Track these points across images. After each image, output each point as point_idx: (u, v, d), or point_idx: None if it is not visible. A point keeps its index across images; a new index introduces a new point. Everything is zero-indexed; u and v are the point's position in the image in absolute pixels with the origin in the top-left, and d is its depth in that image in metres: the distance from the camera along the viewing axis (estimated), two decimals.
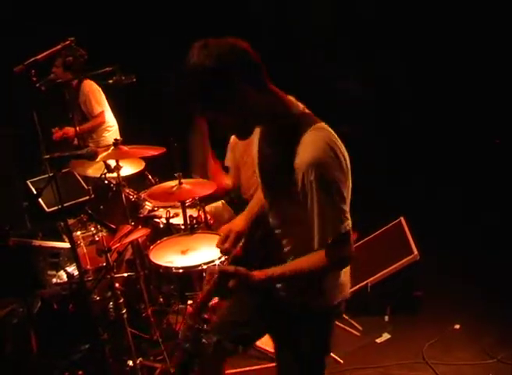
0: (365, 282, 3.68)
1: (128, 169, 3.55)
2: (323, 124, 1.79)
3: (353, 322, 3.67)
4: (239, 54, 1.68)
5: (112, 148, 3.20)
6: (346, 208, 1.75)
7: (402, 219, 4.23)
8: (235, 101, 1.70)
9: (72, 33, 3.26)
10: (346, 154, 1.79)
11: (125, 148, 3.24)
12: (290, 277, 1.82)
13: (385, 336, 3.61)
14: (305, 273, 1.79)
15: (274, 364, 3.25)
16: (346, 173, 1.77)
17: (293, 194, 1.77)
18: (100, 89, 4.81)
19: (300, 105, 1.85)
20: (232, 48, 1.67)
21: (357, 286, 3.67)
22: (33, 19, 5.27)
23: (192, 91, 1.71)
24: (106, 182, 3.56)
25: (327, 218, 1.73)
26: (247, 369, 3.34)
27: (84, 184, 3.89)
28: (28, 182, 4.16)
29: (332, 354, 3.34)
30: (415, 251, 3.72)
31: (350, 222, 1.75)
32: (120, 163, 3.28)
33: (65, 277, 3.31)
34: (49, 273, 3.39)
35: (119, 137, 3.50)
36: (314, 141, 1.72)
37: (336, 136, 1.79)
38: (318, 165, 1.69)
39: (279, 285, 1.99)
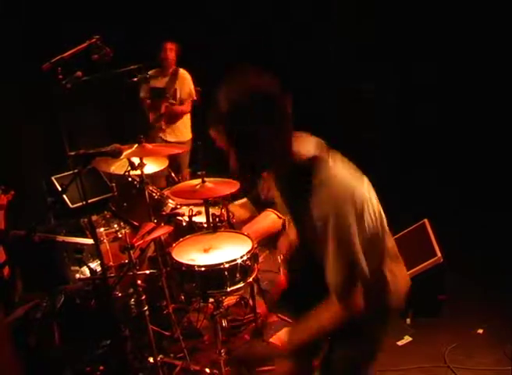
0: None
1: (151, 167, 3.57)
2: (335, 171, 1.81)
3: None
4: (258, 99, 1.69)
5: (136, 145, 3.22)
6: (359, 252, 1.79)
7: (426, 221, 4.19)
8: (249, 144, 1.75)
9: (97, 31, 3.29)
10: (362, 193, 1.82)
11: (149, 145, 3.25)
12: (309, 339, 1.90)
13: (407, 339, 3.58)
14: (319, 330, 1.87)
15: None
16: (362, 215, 1.80)
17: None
18: None
19: (314, 147, 1.86)
20: (253, 91, 1.69)
21: None
22: (59, 17, 5.32)
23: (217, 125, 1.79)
24: (130, 179, 3.58)
25: (339, 266, 1.78)
26: (265, 368, 3.32)
27: (108, 181, 3.92)
28: (53, 178, 4.21)
29: None
30: (438, 254, 3.68)
31: (362, 267, 1.80)
32: (144, 161, 3.30)
33: (88, 273, 3.33)
34: (72, 268, 3.43)
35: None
36: (327, 194, 1.76)
37: (351, 175, 1.84)
38: (332, 216, 1.73)
39: None
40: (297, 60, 6.22)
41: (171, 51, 5.27)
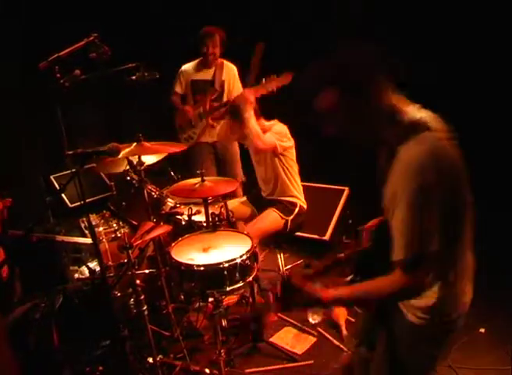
0: None
1: (151, 157, 3.53)
2: (426, 135, 1.70)
3: None
4: (362, 58, 1.72)
5: (135, 144, 3.20)
6: (436, 230, 1.64)
7: None
8: (357, 106, 1.72)
9: (95, 28, 3.27)
10: (451, 170, 1.70)
11: (147, 144, 3.23)
12: (358, 299, 1.83)
13: None
14: (373, 296, 1.79)
15: (292, 364, 3.28)
16: (448, 193, 1.66)
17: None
18: None
19: (414, 114, 1.77)
20: (357, 53, 1.74)
21: None
22: (59, 17, 5.29)
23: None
24: (128, 178, 3.55)
25: (409, 235, 1.65)
26: (266, 368, 3.32)
27: (107, 180, 3.90)
28: (52, 177, 4.19)
29: None
30: None
31: (436, 245, 1.64)
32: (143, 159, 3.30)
33: (87, 273, 3.32)
34: (71, 268, 3.41)
35: None
36: (410, 155, 1.66)
37: (442, 148, 1.71)
38: (410, 178, 1.63)
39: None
40: (297, 60, 6.20)
41: (215, 45, 4.74)
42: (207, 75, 4.85)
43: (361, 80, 1.70)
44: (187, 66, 4.92)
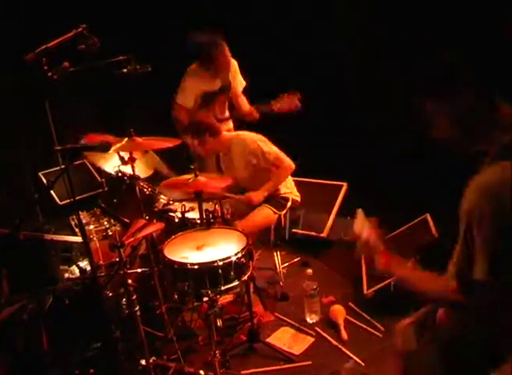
0: (388, 281, 3.55)
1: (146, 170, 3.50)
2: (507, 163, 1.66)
3: (374, 322, 3.55)
4: (456, 67, 1.77)
5: (126, 139, 3.12)
6: (483, 260, 1.63)
7: (428, 215, 4.10)
8: (458, 107, 1.74)
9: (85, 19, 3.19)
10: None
11: (139, 139, 3.15)
12: (407, 283, 1.87)
13: None
14: (420, 289, 1.83)
15: (290, 365, 3.21)
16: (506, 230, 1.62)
17: None
18: None
19: None
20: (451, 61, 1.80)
21: (380, 284, 3.57)
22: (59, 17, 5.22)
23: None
24: (120, 175, 3.47)
25: (459, 253, 1.72)
26: (262, 369, 3.25)
27: (98, 176, 3.82)
28: (40, 174, 4.11)
29: (352, 355, 3.25)
30: None
31: (482, 274, 1.63)
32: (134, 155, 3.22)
33: (77, 272, 3.26)
34: (61, 267, 3.34)
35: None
36: (480, 181, 1.69)
37: None
38: (470, 202, 1.67)
39: None
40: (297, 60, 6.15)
41: (226, 53, 4.29)
42: (216, 84, 4.45)
43: (456, 89, 1.74)
44: (193, 79, 4.41)
